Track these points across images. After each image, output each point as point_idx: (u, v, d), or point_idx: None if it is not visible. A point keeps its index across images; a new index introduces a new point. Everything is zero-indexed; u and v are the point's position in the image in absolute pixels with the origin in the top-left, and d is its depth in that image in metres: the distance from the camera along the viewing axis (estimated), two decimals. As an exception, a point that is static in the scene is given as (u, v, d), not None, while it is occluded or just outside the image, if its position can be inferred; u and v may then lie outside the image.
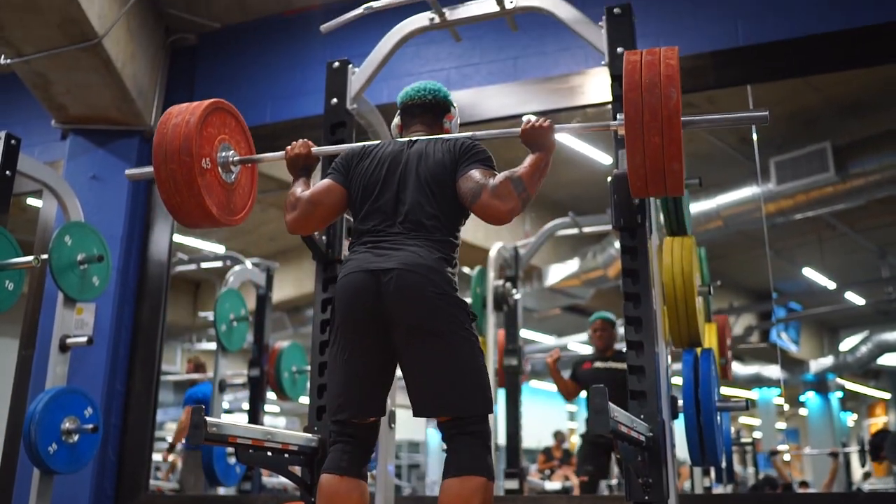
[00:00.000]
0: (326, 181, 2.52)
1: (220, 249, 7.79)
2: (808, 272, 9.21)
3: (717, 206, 7.03)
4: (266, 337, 5.96)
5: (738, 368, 10.65)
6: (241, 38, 5.36)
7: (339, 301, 2.35)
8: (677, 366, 3.72)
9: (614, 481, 6.13)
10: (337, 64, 3.29)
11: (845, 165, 6.44)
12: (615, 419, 2.01)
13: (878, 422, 12.73)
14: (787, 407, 12.18)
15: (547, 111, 4.53)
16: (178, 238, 5.50)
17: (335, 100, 3.25)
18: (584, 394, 5.56)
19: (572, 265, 8.69)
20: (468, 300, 5.66)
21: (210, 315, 5.63)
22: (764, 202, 6.69)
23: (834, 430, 11.47)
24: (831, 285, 9.65)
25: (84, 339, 3.99)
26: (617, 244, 4.18)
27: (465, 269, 6.36)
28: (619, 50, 2.82)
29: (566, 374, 5.74)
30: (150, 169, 2.57)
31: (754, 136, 4.97)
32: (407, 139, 2.52)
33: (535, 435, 9.79)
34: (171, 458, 7.97)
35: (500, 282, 6.03)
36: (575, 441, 9.79)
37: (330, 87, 3.28)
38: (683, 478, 7.03)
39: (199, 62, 5.42)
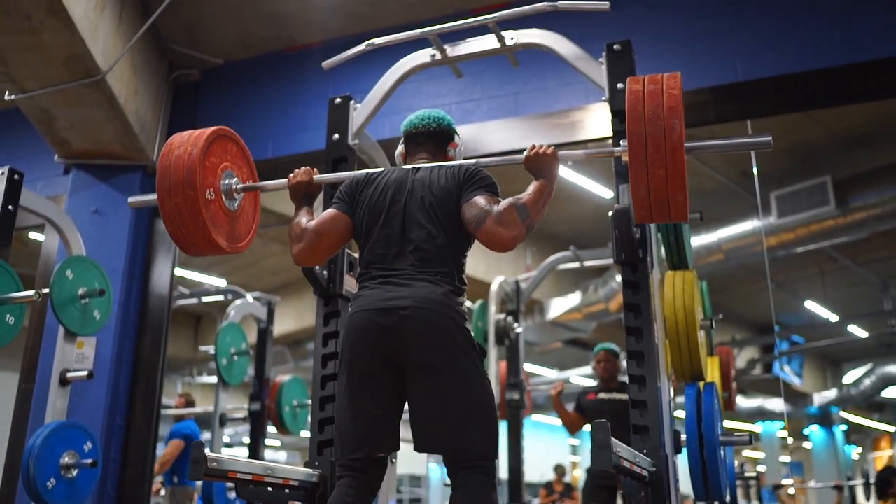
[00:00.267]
0: (331, 211, 2.48)
1: (221, 283, 7.80)
2: (811, 305, 9.20)
3: (718, 239, 7.04)
4: (267, 371, 5.94)
5: (741, 402, 10.60)
6: (243, 74, 5.41)
7: (349, 338, 2.29)
8: (680, 399, 3.71)
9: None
10: (339, 100, 3.32)
11: (846, 199, 6.46)
12: (618, 454, 1.99)
13: (883, 455, 12.64)
14: (790, 440, 12.10)
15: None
16: (179, 272, 5.51)
17: (337, 135, 3.26)
18: (587, 427, 5.52)
19: (574, 299, 8.69)
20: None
21: (211, 349, 5.62)
22: (765, 235, 6.70)
23: (838, 464, 11.39)
24: (834, 318, 9.63)
25: (84, 373, 3.98)
26: (618, 278, 4.18)
27: (467, 303, 6.36)
28: (620, 86, 2.84)
29: (570, 406, 5.70)
30: (153, 196, 2.56)
31: (755, 170, 4.99)
32: (411, 166, 2.50)
33: (538, 468, 9.72)
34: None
35: (502, 315, 6.02)
36: (577, 475, 9.72)
37: (332, 122, 3.29)
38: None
39: (201, 97, 5.47)
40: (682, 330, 3.18)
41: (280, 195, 6.13)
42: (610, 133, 2.87)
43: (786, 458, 11.87)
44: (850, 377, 10.95)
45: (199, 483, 6.32)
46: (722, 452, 3.12)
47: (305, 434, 6.21)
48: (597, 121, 4.33)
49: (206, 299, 7.17)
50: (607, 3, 2.91)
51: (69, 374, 3.99)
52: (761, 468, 11.58)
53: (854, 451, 12.85)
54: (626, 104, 2.15)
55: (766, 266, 5.65)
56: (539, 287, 6.75)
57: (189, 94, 5.49)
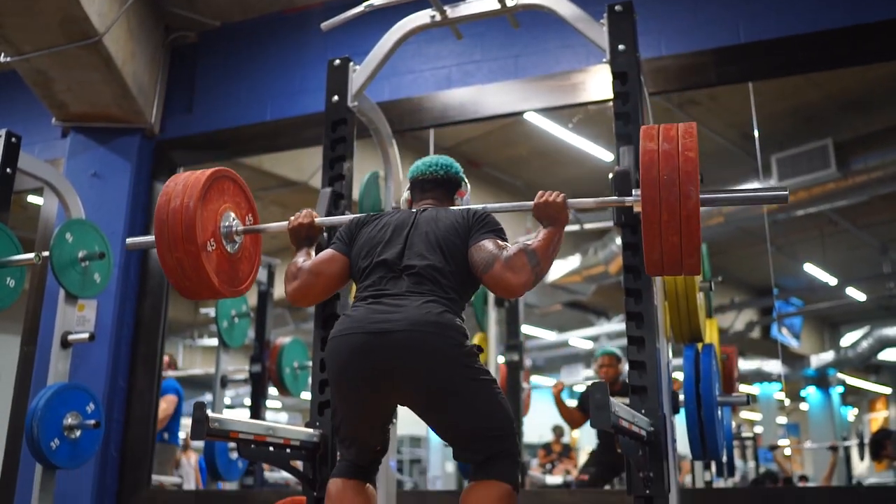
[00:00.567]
0: (329, 251, 2.46)
1: (221, 246, 7.78)
2: (810, 268, 9.22)
3: (718, 202, 7.02)
4: (267, 333, 5.97)
5: (738, 363, 10.66)
6: (241, 36, 5.36)
7: (335, 361, 2.21)
8: (678, 361, 3.73)
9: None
10: (338, 62, 3.29)
11: (847, 162, 6.44)
12: (616, 414, 2.02)
13: (878, 416, 12.74)
14: (787, 402, 12.18)
15: (549, 108, 4.54)
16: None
17: (336, 97, 3.25)
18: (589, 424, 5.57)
19: (573, 261, 8.70)
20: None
21: (211, 311, 5.64)
22: (765, 198, 6.68)
23: (834, 425, 11.48)
24: (833, 281, 9.65)
25: (86, 335, 4.00)
26: (618, 240, 4.18)
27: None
28: (621, 47, 2.83)
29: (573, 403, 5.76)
30: (151, 238, 2.53)
31: (756, 133, 4.97)
32: (416, 209, 2.46)
33: (536, 430, 9.79)
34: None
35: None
36: (575, 436, 9.80)
37: (331, 84, 3.28)
38: (684, 472, 7.05)
39: (199, 60, 5.42)
40: (681, 292, 3.20)
41: (279, 157, 6.13)
42: (611, 95, 2.86)
43: (782, 420, 11.95)
44: (847, 339, 10.99)
45: (200, 443, 6.39)
46: (719, 413, 3.15)
47: (306, 395, 6.27)
48: (598, 83, 4.30)
49: (206, 262, 7.17)
50: (609, -38, 2.88)
51: (70, 337, 4.01)
52: (758, 429, 11.67)
53: (850, 413, 12.94)
54: (640, 165, 2.07)
55: (765, 229, 5.63)
56: (539, 250, 6.74)
57: (186, 56, 5.44)
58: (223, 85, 5.31)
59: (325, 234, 2.77)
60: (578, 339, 11.53)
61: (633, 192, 2.18)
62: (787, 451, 11.17)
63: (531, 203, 2.33)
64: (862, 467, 8.48)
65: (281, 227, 2.67)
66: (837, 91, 6.32)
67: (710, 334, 4.13)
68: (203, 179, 2.47)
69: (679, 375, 3.22)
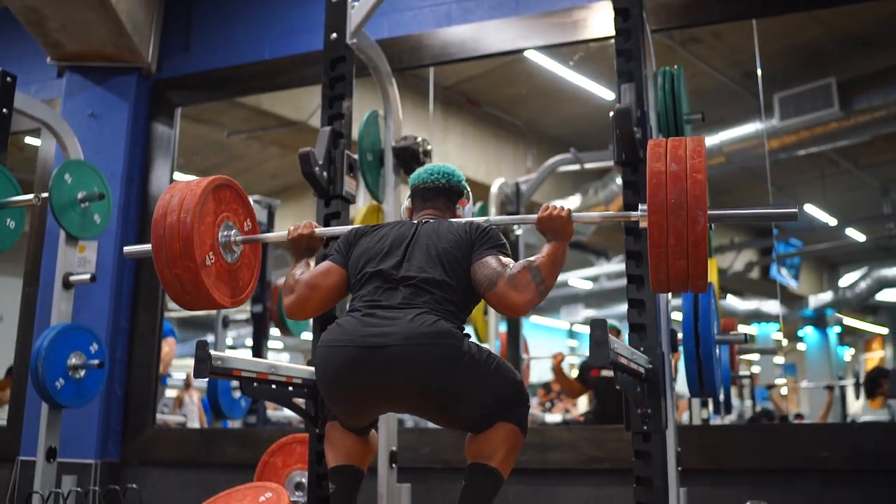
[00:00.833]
0: (326, 263, 2.40)
1: (221, 187, 7.75)
2: (810, 208, 9.21)
3: (719, 142, 6.99)
4: (268, 274, 5.98)
5: (737, 303, 10.73)
6: (237, -29, 5.27)
7: (322, 373, 2.19)
8: (677, 302, 3.75)
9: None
10: (336, -3, 3.24)
11: (850, 101, 6.38)
12: (615, 351, 2.04)
13: (874, 356, 12.85)
14: (785, 342, 12.27)
15: (549, 45, 4.48)
16: (178, 176, 5.49)
17: (335, 35, 3.20)
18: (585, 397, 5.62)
19: (574, 201, 8.68)
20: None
21: (213, 252, 5.63)
22: (767, 138, 6.65)
23: (831, 365, 11.58)
24: (832, 222, 9.65)
25: (87, 276, 4.02)
26: (618, 180, 4.17)
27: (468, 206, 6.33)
28: (623, -18, 2.78)
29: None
30: (147, 247, 2.49)
31: (758, 72, 4.91)
32: (417, 221, 2.41)
33: (536, 369, 9.90)
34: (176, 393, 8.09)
35: (502, 218, 6.03)
36: (574, 375, 9.89)
37: (329, 21, 3.22)
38: (681, 411, 7.14)
39: (195, -4, 5.34)
40: (681, 231, 3.19)
41: (278, 96, 6.07)
42: (612, 32, 2.82)
43: (780, 360, 12.06)
44: (845, 280, 11.04)
45: (202, 383, 6.45)
46: (717, 351, 3.18)
47: (307, 336, 6.32)
48: (599, 20, 4.23)
49: (205, 203, 7.15)
50: None
51: (72, 278, 4.03)
52: (755, 369, 11.79)
53: (847, 353, 13.06)
54: (648, 187, 2.00)
55: (767, 169, 5.61)
56: (539, 189, 6.74)
57: (183, -7, 5.36)
58: (221, 23, 5.24)
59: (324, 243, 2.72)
60: (578, 280, 11.57)
61: (640, 206, 2.11)
62: (784, 391, 11.31)
63: (535, 217, 2.26)
64: (857, 406, 8.59)
65: (280, 237, 2.62)
66: (841, 29, 6.24)
67: (710, 274, 4.14)
68: (199, 192, 2.40)
69: (678, 315, 3.24)
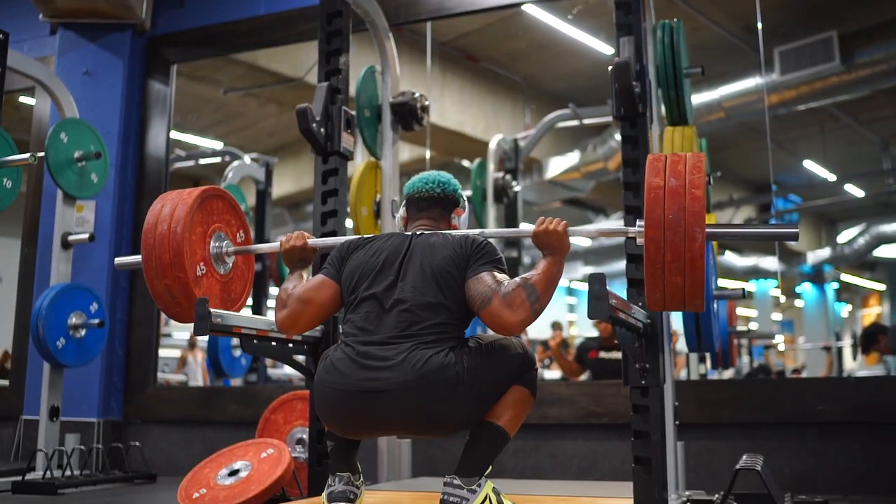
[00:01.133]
0: (319, 277, 2.33)
1: (218, 145, 7.74)
2: (809, 164, 9.19)
3: (719, 96, 6.95)
4: (267, 232, 5.99)
5: (735, 260, 10.75)
6: (231, -75, 5.18)
7: (320, 408, 2.19)
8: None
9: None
10: (331, -50, 3.19)
11: (851, 55, 6.33)
12: (614, 305, 2.04)
13: (871, 312, 12.92)
14: (783, 298, 12.32)
15: (547, -1, 4.42)
16: (175, 135, 5.46)
17: (330, -12, 3.16)
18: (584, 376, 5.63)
19: (572, 158, 8.65)
20: (468, 193, 5.68)
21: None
22: (767, 93, 6.61)
23: (828, 321, 11.65)
24: (831, 177, 9.64)
25: (86, 235, 4.02)
26: (617, 136, 4.14)
27: (465, 163, 6.32)
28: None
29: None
30: (138, 259, 2.45)
31: (759, 25, 4.86)
32: (411, 232, 2.35)
33: (535, 326, 9.96)
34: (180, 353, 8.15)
35: (500, 174, 6.02)
36: (574, 333, 9.97)
37: (325, -25, 3.18)
38: (679, 367, 7.18)
39: (189, -49, 5.26)
40: (680, 188, 3.18)
41: (276, 52, 6.01)
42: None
43: (778, 316, 12.12)
44: (844, 236, 11.05)
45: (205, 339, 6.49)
46: (715, 306, 3.19)
47: (307, 294, 6.32)
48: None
49: (203, 161, 7.13)
50: None
51: (70, 238, 4.03)
52: (753, 325, 11.86)
53: (844, 309, 13.12)
54: (645, 201, 1.95)
55: (766, 124, 5.58)
56: (537, 146, 6.72)
57: (176, -53, 5.27)
58: (214, -22, 5.17)
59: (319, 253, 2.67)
60: (576, 239, 11.58)
61: (638, 222, 2.08)
62: (782, 348, 11.38)
63: (530, 230, 2.23)
64: (854, 364, 8.67)
65: (273, 248, 2.59)
66: (844, -19, 6.18)
67: (708, 229, 4.14)
68: (190, 202, 2.36)
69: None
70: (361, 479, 2.28)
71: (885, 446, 3.49)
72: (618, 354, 5.29)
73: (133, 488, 4.03)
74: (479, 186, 6.02)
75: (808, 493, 3.27)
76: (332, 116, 2.99)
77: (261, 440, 3.16)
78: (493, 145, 6.03)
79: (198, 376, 7.90)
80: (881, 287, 12.62)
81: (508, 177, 6.05)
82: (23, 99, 5.78)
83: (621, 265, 2.77)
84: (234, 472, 2.97)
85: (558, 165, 8.75)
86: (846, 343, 8.36)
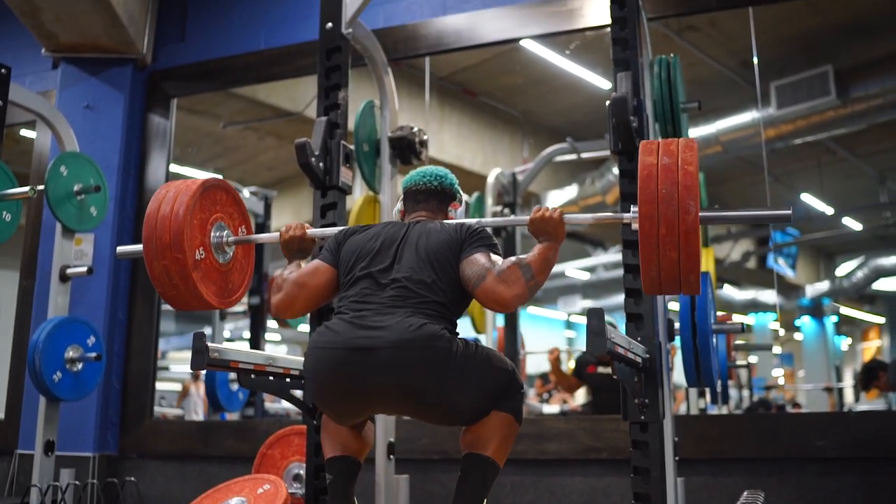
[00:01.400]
0: (315, 262, 2.38)
1: (217, 179, 7.74)
2: (807, 197, 9.21)
3: (716, 130, 6.99)
4: (266, 265, 5.98)
5: (734, 293, 10.74)
6: (232, -39, 5.24)
7: (313, 376, 2.17)
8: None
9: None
10: (331, -13, 3.23)
11: (847, 89, 6.38)
12: (612, 340, 2.03)
13: (870, 345, 12.88)
14: (782, 331, 12.29)
15: (545, 34, 4.47)
16: (174, 168, 5.48)
17: (330, 24, 3.19)
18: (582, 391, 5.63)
19: (570, 191, 8.68)
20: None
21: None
22: (764, 127, 6.65)
23: (828, 355, 11.61)
24: (829, 211, 9.66)
25: (84, 269, 4.01)
26: (615, 170, 4.16)
27: (464, 196, 6.31)
28: (619, -30, 2.77)
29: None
30: (139, 248, 2.47)
31: (755, 60, 4.91)
32: (407, 221, 2.40)
33: (534, 360, 9.90)
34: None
35: (499, 208, 6.02)
36: (573, 365, 9.91)
37: (324, 11, 3.21)
38: (679, 402, 7.15)
39: (190, -13, 5.32)
40: (678, 220, 3.18)
41: (274, 87, 6.05)
42: (608, 21, 2.81)
43: (777, 349, 12.08)
44: (842, 269, 11.06)
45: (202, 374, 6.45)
46: (714, 341, 3.18)
47: (304, 328, 6.31)
48: (595, 8, 4.22)
49: (202, 195, 7.13)
50: None
51: (69, 271, 4.02)
52: (753, 359, 11.82)
53: (844, 343, 13.09)
54: (639, 180, 1.99)
55: (763, 158, 5.61)
56: (535, 179, 6.73)
57: (177, -16, 5.33)
58: (216, 13, 5.21)
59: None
60: (575, 270, 11.58)
61: (632, 208, 2.11)
62: (781, 381, 11.34)
63: (527, 218, 2.26)
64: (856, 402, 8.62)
65: (272, 238, 2.61)
66: (838, 17, 6.23)
67: (707, 264, 4.15)
68: (194, 188, 2.40)
69: (675, 306, 3.24)
70: (359, 515, 2.26)
71: (887, 482, 3.46)
72: None
73: (128, 524, 3.99)
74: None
75: (809, 530, 3.24)
76: (330, 151, 3.00)
77: (257, 476, 3.12)
78: (491, 179, 6.04)
79: (199, 409, 7.84)
80: (881, 320, 12.60)
81: (507, 210, 6.06)
82: (24, 132, 5.81)
83: (620, 298, 2.77)
84: (230, 509, 2.93)
85: (556, 199, 8.78)
86: (847, 384, 8.33)
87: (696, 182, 1.98)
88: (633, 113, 2.60)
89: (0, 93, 3.73)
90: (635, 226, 2.04)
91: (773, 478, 3.59)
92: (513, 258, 2.14)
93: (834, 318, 11.85)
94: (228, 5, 5.19)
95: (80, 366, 3.88)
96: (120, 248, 2.79)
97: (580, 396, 8.48)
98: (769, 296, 10.73)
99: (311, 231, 2.53)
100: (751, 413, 7.27)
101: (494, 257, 2.19)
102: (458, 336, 2.18)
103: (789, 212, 2.09)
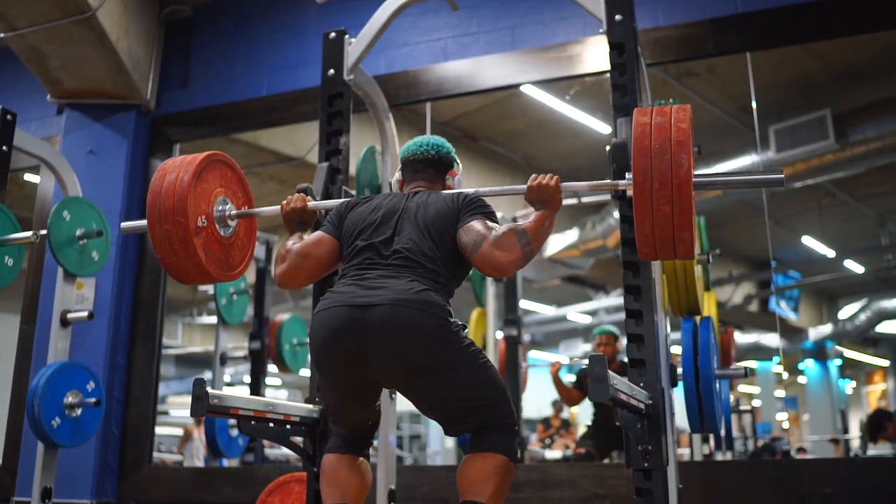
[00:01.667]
0: (318, 233, 2.43)
1: (219, 223, 7.76)
2: (808, 240, 9.22)
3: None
4: (266, 310, 5.97)
5: (736, 337, 10.69)
6: (236, 9, 5.31)
7: (315, 337, 2.21)
8: (676, 335, 3.73)
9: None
10: (333, 34, 3.27)
11: (845, 133, 6.41)
12: (614, 387, 2.02)
13: (876, 389, 12.79)
14: (785, 375, 12.21)
15: (545, 80, 4.51)
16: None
17: (332, 71, 3.22)
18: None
19: (571, 235, 8.69)
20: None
21: (210, 289, 5.64)
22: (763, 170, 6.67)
23: (832, 398, 11.53)
24: (831, 253, 9.66)
25: (85, 313, 4.00)
26: (616, 214, 4.17)
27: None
28: (618, 17, 2.80)
29: (570, 380, 5.79)
30: (143, 223, 2.49)
31: (753, 105, 4.95)
32: (407, 192, 2.45)
33: (535, 404, 9.83)
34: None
35: (500, 251, 6.01)
36: (575, 411, 9.85)
37: (326, 58, 3.25)
38: (682, 446, 7.08)
39: (194, 34, 5.38)
40: (679, 264, 3.19)
41: (276, 132, 6.11)
42: (608, 67, 2.84)
43: (781, 393, 12.00)
44: (845, 312, 11.03)
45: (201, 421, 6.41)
46: (718, 386, 3.16)
47: (305, 372, 6.28)
48: (595, 54, 4.27)
49: (204, 240, 7.15)
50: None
51: (69, 315, 4.01)
52: (756, 403, 11.73)
53: (848, 386, 13.00)
54: (633, 137, 2.03)
55: (763, 201, 5.62)
56: (537, 224, 6.73)
57: (181, 31, 5.40)
58: (219, 59, 5.28)
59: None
60: (577, 314, 11.55)
61: (627, 175, 2.15)
62: (785, 425, 11.24)
63: (524, 186, 2.30)
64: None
65: (274, 211, 2.64)
66: (836, 61, 6.29)
67: (709, 307, 4.14)
68: (200, 158, 2.46)
69: (677, 349, 3.22)
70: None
71: (895, 529, 3.42)
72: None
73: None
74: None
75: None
76: (332, 196, 3.01)
77: (256, 523, 3.09)
78: (492, 223, 6.04)
79: (200, 454, 7.77)
80: (885, 363, 12.53)
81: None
82: (27, 177, 5.84)
83: (622, 342, 2.75)
84: (228, 558, 2.89)
85: (557, 243, 8.79)
86: (854, 434, 8.25)
87: (688, 138, 2.03)
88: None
89: (5, 138, 3.76)
90: (630, 192, 2.07)
91: (779, 525, 3.54)
92: (509, 224, 2.19)
93: (838, 362, 11.78)
94: (231, 52, 5.25)
95: (79, 411, 3.85)
96: (124, 224, 2.81)
97: (581, 419, 8.39)
98: (772, 339, 10.69)
99: (311, 203, 2.58)
100: (756, 459, 7.19)
101: (491, 224, 2.23)
102: (462, 325, 2.21)
103: (781, 175, 2.15)
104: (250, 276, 5.97)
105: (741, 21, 4.10)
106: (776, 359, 10.89)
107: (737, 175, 2.30)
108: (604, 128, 6.55)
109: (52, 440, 3.74)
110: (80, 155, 5.01)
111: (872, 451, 6.32)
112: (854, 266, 9.96)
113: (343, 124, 3.13)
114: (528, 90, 5.70)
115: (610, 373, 1.95)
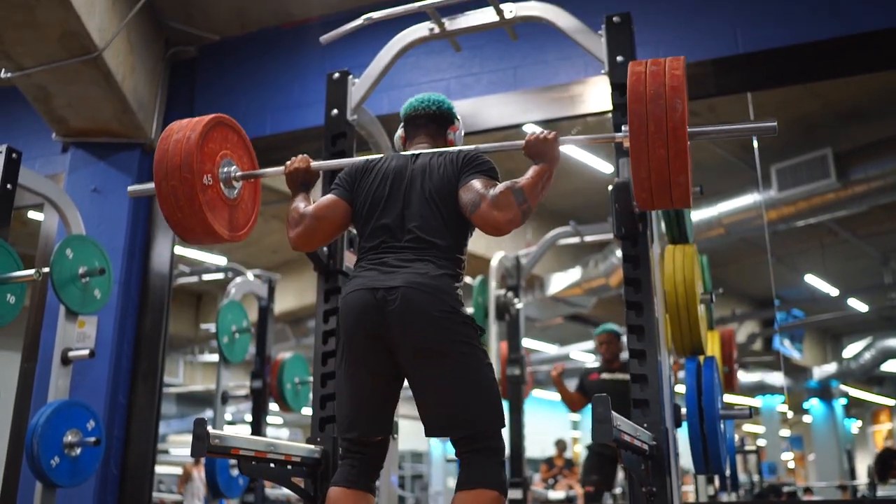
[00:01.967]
0: (330, 196, 2.49)
1: (221, 261, 7.79)
2: (811, 279, 9.20)
3: (718, 213, 7.03)
4: (268, 348, 5.95)
5: (741, 376, 10.62)
6: (240, 50, 5.37)
7: (342, 319, 2.32)
8: (680, 374, 3.71)
9: (619, 490, 6.09)
10: (337, 75, 3.30)
11: (847, 172, 6.44)
12: (618, 428, 2.00)
13: (882, 428, 12.69)
14: (790, 414, 12.12)
15: (548, 120, 4.53)
16: (179, 250, 5.50)
17: (335, 111, 3.25)
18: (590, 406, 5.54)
19: (574, 274, 8.69)
20: (470, 310, 5.67)
21: (212, 327, 5.62)
22: (765, 209, 6.69)
23: (838, 437, 11.44)
24: (834, 292, 9.64)
25: (86, 352, 3.99)
26: (619, 252, 4.17)
27: (467, 279, 6.33)
28: (619, 58, 2.83)
29: (573, 383, 5.74)
30: (151, 185, 2.55)
31: (755, 144, 4.98)
32: (410, 153, 2.48)
33: (539, 444, 9.76)
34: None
35: (502, 291, 6.02)
36: (578, 450, 9.77)
37: (330, 98, 3.28)
38: (685, 484, 7.00)
39: (198, 74, 5.43)
40: (682, 304, 3.18)
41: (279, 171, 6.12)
42: (610, 107, 2.86)
43: (786, 432, 11.90)
44: (849, 351, 10.97)
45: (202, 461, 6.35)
46: (722, 426, 3.13)
47: (307, 411, 6.24)
48: (597, 94, 4.30)
49: (206, 277, 7.17)
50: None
51: (71, 353, 4.00)
52: (761, 442, 11.63)
53: (854, 425, 12.90)
54: (628, 86, 2.10)
55: (766, 240, 5.63)
56: (539, 262, 6.74)
57: (186, 71, 5.45)
58: (222, 99, 5.32)
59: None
60: (580, 352, 11.51)
61: (623, 127, 2.20)
62: (791, 465, 11.13)
63: (521, 142, 2.33)
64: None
65: (278, 172, 2.69)
66: (837, 101, 6.33)
67: (712, 347, 4.12)
68: (206, 119, 2.54)
69: (680, 388, 3.20)
70: None
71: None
72: (622, 376, 5.16)
73: None
74: (480, 304, 6.02)
75: None
76: (334, 235, 3.02)
77: (256, 566, 3.05)
78: (494, 262, 6.05)
79: (200, 494, 7.69)
80: (891, 402, 12.44)
81: (510, 294, 6.05)
82: (31, 214, 5.86)
83: (624, 377, 2.73)
84: None
85: (560, 282, 8.79)
86: (862, 483, 8.16)
87: (682, 84, 2.08)
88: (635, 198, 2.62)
89: (10, 176, 3.78)
90: (626, 144, 2.12)
91: (786, 569, 3.48)
92: (507, 182, 2.22)
93: (843, 401, 11.70)
94: (235, 91, 5.30)
95: (78, 451, 3.82)
96: (131, 187, 2.86)
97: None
98: (776, 378, 10.63)
99: (315, 164, 2.62)
100: (762, 500, 7.11)
101: (490, 182, 2.27)
102: (473, 324, 2.26)
103: (773, 123, 2.18)
104: (252, 314, 5.96)
105: (742, 61, 4.13)
106: (780, 398, 10.82)
107: (729, 125, 2.34)
108: (606, 167, 6.58)
109: (51, 480, 3.71)
110: (85, 193, 5.03)
111: (881, 491, 6.25)
112: (858, 304, 9.93)
113: (346, 163, 3.14)
114: (531, 130, 5.72)
115: (614, 414, 1.93)
